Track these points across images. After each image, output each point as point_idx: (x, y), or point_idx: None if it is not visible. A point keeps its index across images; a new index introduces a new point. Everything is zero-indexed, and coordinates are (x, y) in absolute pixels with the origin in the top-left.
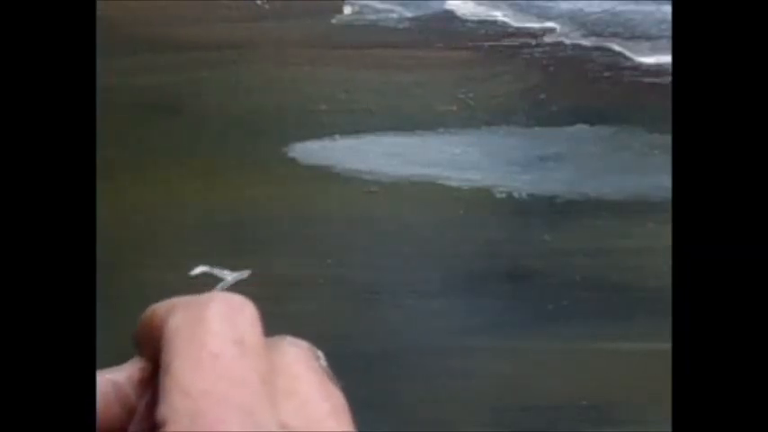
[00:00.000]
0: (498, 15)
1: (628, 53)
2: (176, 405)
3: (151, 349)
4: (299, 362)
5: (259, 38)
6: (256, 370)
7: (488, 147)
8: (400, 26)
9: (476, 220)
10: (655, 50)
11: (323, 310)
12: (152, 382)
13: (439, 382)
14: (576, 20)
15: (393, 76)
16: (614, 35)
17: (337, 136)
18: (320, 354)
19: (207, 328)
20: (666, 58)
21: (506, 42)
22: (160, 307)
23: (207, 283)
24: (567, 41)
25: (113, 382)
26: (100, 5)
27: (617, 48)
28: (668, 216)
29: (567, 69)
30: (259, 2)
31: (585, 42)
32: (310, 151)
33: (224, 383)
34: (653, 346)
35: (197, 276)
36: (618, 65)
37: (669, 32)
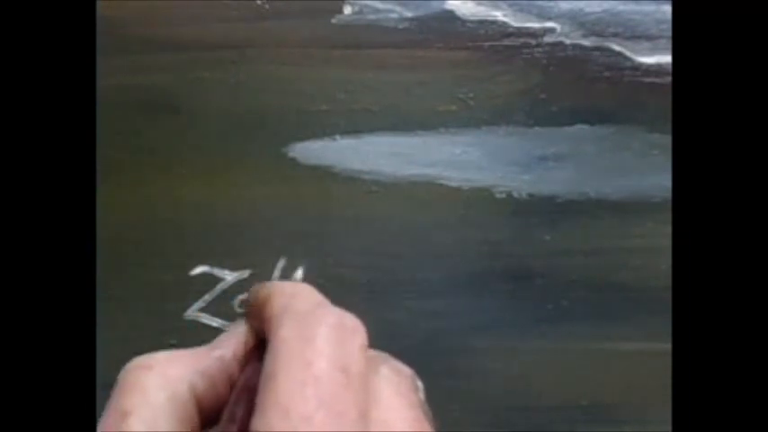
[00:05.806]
0: (498, 15)
1: (628, 53)
2: (274, 424)
3: (257, 327)
4: (398, 394)
5: (259, 38)
6: (356, 402)
7: (488, 147)
8: (400, 26)
9: (476, 220)
10: (655, 50)
11: None
12: (252, 357)
13: (439, 382)
14: (575, 20)
15: (393, 76)
16: (614, 35)
17: (337, 136)
18: (420, 384)
19: (315, 347)
20: (666, 58)
21: (506, 42)
22: (279, 296)
23: (207, 283)
24: (567, 41)
25: (222, 359)
26: (100, 5)
27: (617, 48)
28: (668, 216)
29: (567, 69)
30: (259, 2)
31: (585, 42)
32: (310, 151)
33: (323, 413)
34: (653, 346)
35: (197, 276)
36: (618, 65)
37: (669, 32)
